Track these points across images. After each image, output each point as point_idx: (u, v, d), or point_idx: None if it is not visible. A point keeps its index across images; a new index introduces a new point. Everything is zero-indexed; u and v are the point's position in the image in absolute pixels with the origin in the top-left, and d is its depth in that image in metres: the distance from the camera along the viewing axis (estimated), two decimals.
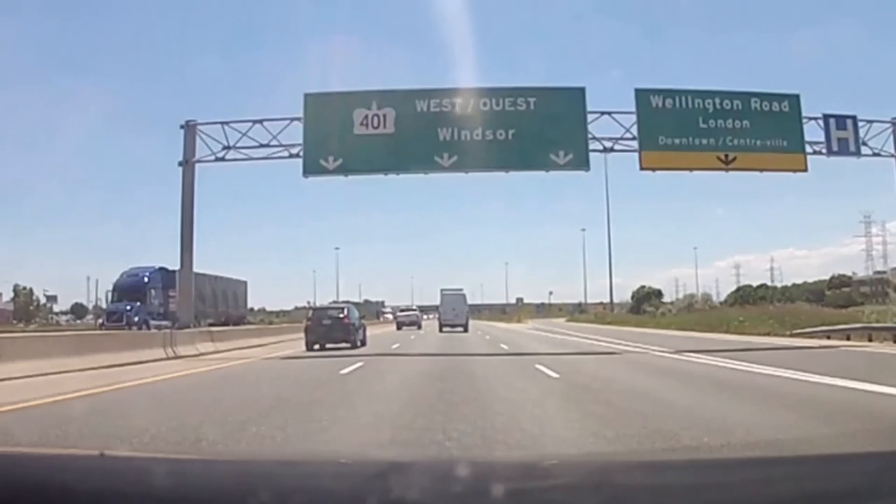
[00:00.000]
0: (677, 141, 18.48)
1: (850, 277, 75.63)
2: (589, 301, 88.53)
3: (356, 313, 23.88)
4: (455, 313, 43.43)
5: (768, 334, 27.70)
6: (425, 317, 56.66)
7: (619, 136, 18.90)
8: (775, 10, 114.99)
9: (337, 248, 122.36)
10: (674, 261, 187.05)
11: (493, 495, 1.21)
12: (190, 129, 19.55)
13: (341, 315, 22.14)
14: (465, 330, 40.08)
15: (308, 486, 1.34)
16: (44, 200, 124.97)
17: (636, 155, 18.73)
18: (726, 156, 18.52)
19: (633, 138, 18.68)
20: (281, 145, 19.20)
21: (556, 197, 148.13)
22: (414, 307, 60.60)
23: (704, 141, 18.49)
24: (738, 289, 71.49)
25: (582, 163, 18.54)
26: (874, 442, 4.06)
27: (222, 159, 19.62)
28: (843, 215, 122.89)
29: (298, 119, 18.89)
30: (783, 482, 1.34)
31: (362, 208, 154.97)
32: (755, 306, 41.59)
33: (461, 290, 48.01)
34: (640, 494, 1.30)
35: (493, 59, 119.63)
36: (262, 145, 19.35)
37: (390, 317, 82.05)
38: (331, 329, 21.51)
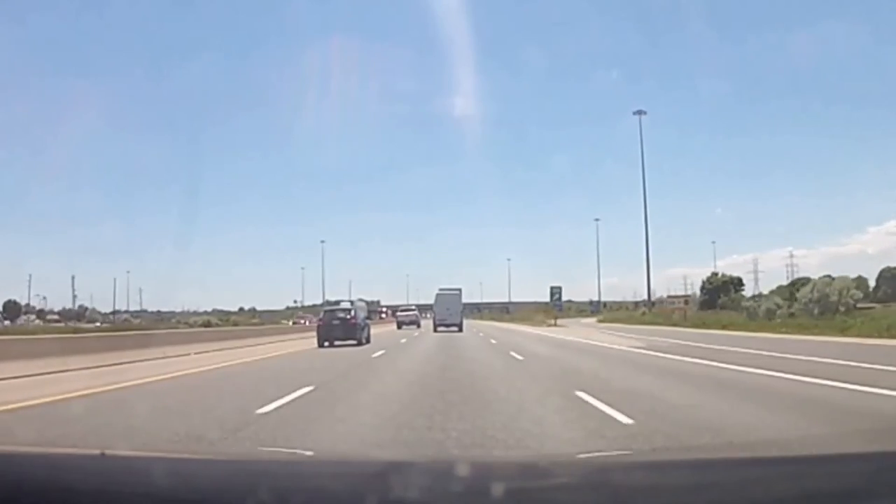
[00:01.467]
0: None
1: None
2: (603, 299, 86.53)
3: (362, 314, 25.83)
4: (449, 313, 45.03)
5: None
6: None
7: None
8: None
9: (322, 242, 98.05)
10: (671, 261, 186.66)
11: (493, 495, 1.21)
12: None
13: (349, 316, 24.65)
14: (460, 329, 40.85)
15: (308, 486, 1.34)
16: None
17: None
18: None
19: None
20: None
21: (558, 194, 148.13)
22: (412, 307, 60.81)
23: None
24: (793, 282, 54.64)
25: None
26: (874, 442, 4.05)
27: None
28: (842, 215, 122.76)
29: None
30: (783, 482, 1.34)
31: (360, 206, 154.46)
32: None
33: (457, 289, 48.60)
34: (640, 494, 1.30)
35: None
36: None
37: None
38: (339, 329, 23.87)
